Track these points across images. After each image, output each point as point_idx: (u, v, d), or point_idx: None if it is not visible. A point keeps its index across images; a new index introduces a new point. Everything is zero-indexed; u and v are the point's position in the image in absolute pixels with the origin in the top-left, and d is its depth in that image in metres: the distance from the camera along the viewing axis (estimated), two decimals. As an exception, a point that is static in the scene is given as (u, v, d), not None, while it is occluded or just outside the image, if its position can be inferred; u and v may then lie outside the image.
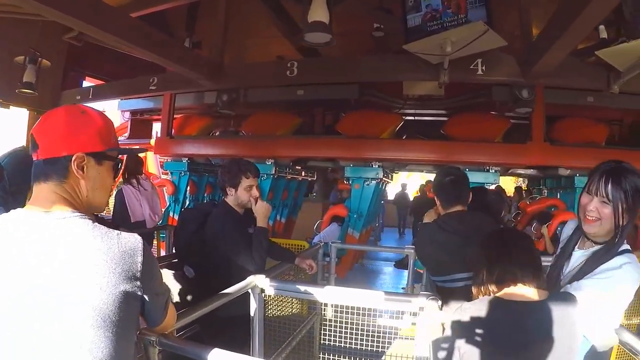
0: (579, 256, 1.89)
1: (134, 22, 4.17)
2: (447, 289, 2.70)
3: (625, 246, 1.78)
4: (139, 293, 1.24)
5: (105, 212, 5.13)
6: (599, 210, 1.75)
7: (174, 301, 3.23)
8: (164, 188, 7.55)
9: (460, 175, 2.89)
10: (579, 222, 1.89)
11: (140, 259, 1.23)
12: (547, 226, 5.04)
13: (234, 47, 6.50)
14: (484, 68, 4.49)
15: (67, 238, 1.18)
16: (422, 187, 12.54)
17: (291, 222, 8.58)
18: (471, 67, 4.49)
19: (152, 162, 12.29)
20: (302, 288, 2.69)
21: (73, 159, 1.26)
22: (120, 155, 1.44)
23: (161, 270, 1.41)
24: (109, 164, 1.38)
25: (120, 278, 1.18)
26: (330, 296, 2.78)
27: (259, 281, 2.56)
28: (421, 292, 2.40)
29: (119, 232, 1.24)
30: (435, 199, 2.92)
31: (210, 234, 3.01)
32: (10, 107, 6.27)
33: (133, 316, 1.28)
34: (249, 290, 2.54)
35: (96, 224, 1.24)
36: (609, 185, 1.72)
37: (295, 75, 5.03)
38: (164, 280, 1.44)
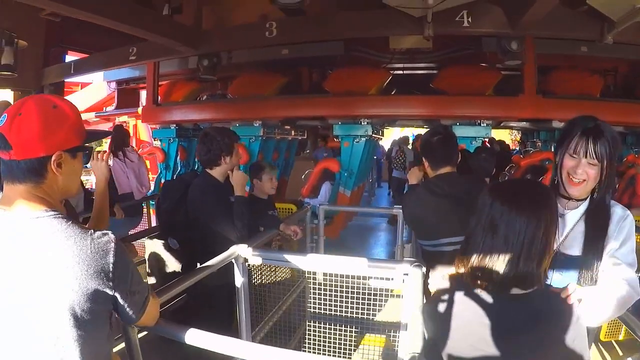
0: (572, 217, 1.81)
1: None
2: (435, 253, 2.67)
3: None
4: (111, 293, 1.24)
5: (90, 184, 5.08)
6: (587, 172, 1.70)
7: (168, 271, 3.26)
8: (156, 155, 7.51)
9: (449, 134, 2.80)
10: (558, 184, 1.82)
11: (112, 259, 1.23)
12: (541, 180, 4.97)
13: (215, 9, 6.30)
14: (469, 20, 4.30)
15: (40, 238, 1.18)
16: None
17: (284, 182, 8.54)
18: (456, 19, 4.29)
19: (143, 130, 12.24)
20: (286, 257, 2.68)
21: (53, 159, 1.24)
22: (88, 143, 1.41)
23: (150, 240, 1.38)
24: (81, 154, 1.38)
25: (92, 279, 1.18)
26: (313, 264, 2.78)
27: (242, 251, 2.54)
28: (405, 259, 2.36)
29: (92, 231, 1.24)
30: (423, 159, 2.83)
31: (192, 205, 2.99)
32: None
33: (105, 315, 1.29)
34: (232, 260, 2.51)
35: (70, 223, 1.23)
36: (597, 146, 1.67)
37: (275, 36, 4.86)
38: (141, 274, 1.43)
